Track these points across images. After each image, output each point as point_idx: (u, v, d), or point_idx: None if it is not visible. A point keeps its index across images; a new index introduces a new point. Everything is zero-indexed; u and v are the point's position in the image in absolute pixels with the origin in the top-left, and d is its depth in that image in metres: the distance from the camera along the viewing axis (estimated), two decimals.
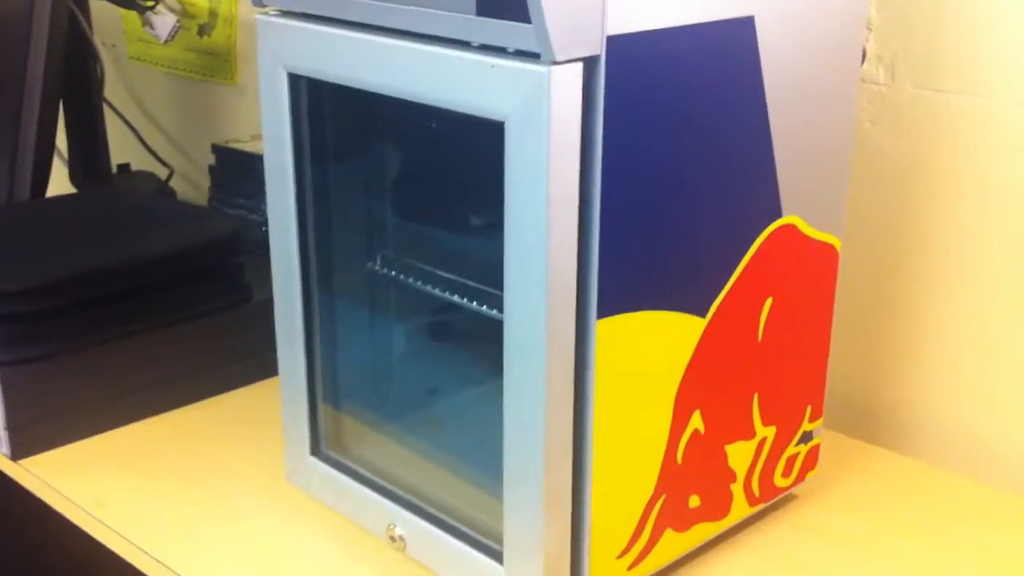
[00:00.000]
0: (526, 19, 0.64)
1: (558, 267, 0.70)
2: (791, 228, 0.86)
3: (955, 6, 0.98)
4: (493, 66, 0.68)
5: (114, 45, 1.88)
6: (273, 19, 0.82)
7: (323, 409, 0.94)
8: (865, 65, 1.04)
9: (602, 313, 0.73)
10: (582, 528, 0.79)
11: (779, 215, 0.84)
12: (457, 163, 0.86)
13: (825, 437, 1.01)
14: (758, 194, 0.82)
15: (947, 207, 1.03)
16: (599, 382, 0.75)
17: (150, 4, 1.67)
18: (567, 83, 0.66)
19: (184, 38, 1.73)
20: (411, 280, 0.91)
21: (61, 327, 1.08)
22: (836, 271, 0.92)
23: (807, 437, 0.96)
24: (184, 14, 1.70)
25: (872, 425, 1.13)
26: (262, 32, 0.83)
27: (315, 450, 0.95)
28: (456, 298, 0.87)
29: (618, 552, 0.82)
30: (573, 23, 0.65)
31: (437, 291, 0.88)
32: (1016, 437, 1.03)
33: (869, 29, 1.03)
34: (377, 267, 0.94)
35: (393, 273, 0.93)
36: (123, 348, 1.11)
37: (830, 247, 0.91)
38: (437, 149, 0.86)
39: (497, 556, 0.80)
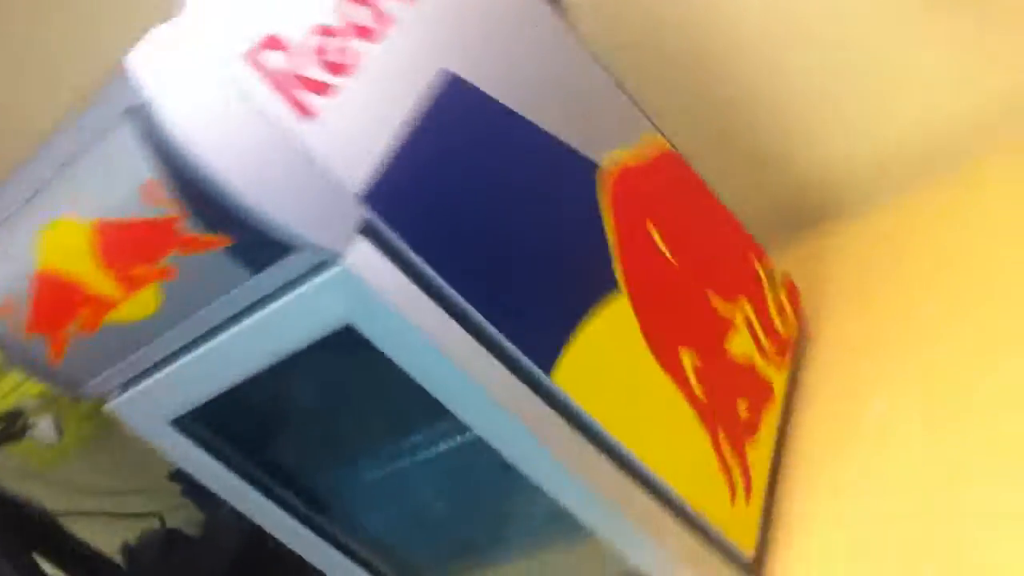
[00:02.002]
0: (290, 250, 0.67)
1: (481, 376, 0.73)
2: (617, 170, 0.89)
3: None
4: (301, 295, 0.71)
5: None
6: (121, 401, 0.85)
7: None
8: None
9: (546, 367, 0.76)
10: (687, 513, 0.82)
11: (595, 166, 0.88)
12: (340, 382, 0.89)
13: (783, 260, 1.05)
14: (572, 172, 0.86)
15: None
16: (592, 410, 0.78)
17: (23, 428, 1.67)
18: (364, 255, 0.69)
19: (68, 421, 1.73)
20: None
21: None
22: (685, 165, 0.96)
23: (772, 278, 1.00)
24: (48, 405, 1.70)
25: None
26: (125, 413, 0.85)
27: None
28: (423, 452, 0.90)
29: (728, 500, 0.85)
30: (325, 219, 0.68)
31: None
32: None
33: None
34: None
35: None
36: None
37: (665, 154, 0.94)
38: (320, 384, 0.89)
39: None
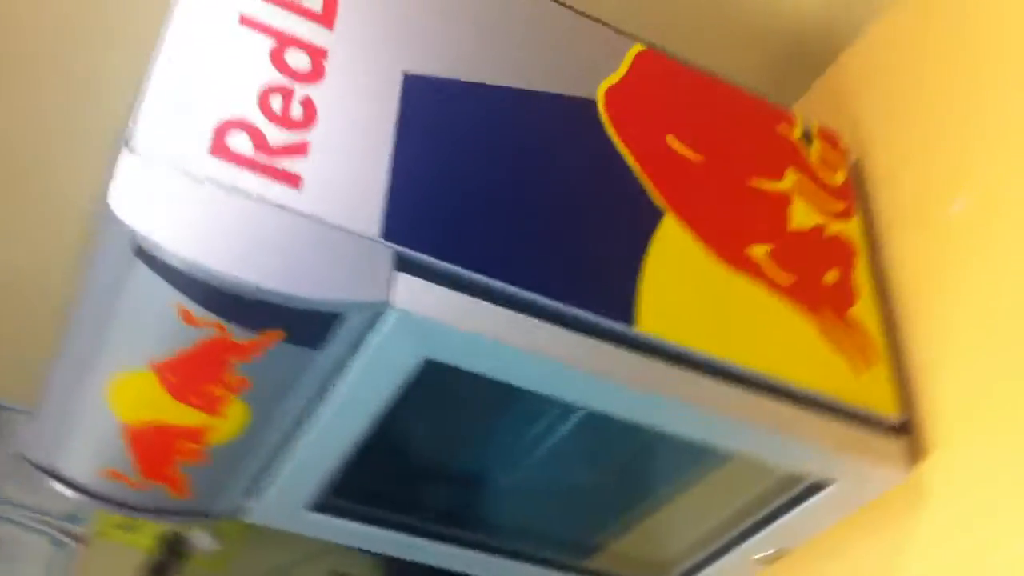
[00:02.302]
0: (341, 316, 0.67)
1: (572, 357, 0.72)
2: (603, 95, 0.86)
3: None
4: (371, 351, 0.70)
5: None
6: (255, 510, 0.85)
7: None
8: None
9: (627, 320, 0.75)
10: (818, 400, 0.80)
11: (593, 103, 0.85)
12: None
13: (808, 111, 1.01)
14: (573, 118, 0.83)
15: None
16: (687, 340, 0.76)
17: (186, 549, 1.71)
18: (409, 290, 0.68)
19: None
20: None
21: None
22: (669, 59, 0.93)
23: (806, 135, 0.96)
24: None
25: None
26: (263, 518, 0.86)
27: None
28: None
29: (852, 371, 0.83)
30: (358, 274, 0.67)
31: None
32: None
33: None
34: None
35: None
36: None
37: (641, 55, 0.91)
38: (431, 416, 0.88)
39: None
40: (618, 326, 0.75)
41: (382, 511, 0.89)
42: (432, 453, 0.90)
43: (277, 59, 0.71)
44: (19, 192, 1.27)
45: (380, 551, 0.93)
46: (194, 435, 0.75)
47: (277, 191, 0.67)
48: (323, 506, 0.85)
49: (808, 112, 1.03)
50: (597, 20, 0.91)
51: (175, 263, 0.63)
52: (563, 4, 0.90)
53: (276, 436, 0.78)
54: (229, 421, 0.74)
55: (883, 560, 0.83)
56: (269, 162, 0.67)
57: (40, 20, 1.10)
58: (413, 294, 0.68)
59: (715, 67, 0.96)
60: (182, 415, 0.73)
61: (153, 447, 0.77)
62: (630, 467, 0.92)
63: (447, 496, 0.93)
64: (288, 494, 0.83)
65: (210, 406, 0.73)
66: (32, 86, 1.15)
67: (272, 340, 0.68)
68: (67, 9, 1.09)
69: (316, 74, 0.72)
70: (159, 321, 0.67)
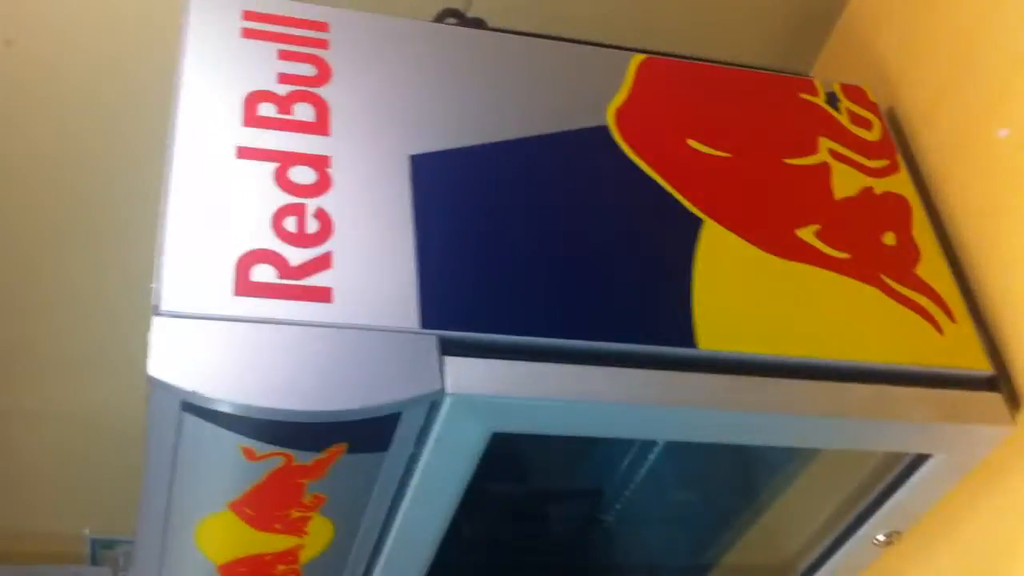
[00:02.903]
0: (400, 415, 0.66)
1: (646, 396, 0.71)
2: (614, 115, 0.84)
3: None
4: (437, 441, 0.69)
5: None
6: None
7: None
8: None
9: (689, 343, 0.73)
10: (907, 373, 0.78)
11: (605, 129, 0.83)
12: None
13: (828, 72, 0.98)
14: (589, 149, 0.82)
15: None
16: (755, 347, 0.74)
17: None
18: (460, 373, 0.67)
19: None
20: None
21: None
22: (670, 60, 0.91)
23: (831, 97, 0.93)
24: None
25: None
26: None
27: None
28: None
29: (935, 333, 0.80)
30: (407, 370, 0.66)
31: None
32: None
33: None
34: None
35: None
36: None
37: (643, 65, 0.89)
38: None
39: None
40: (679, 351, 0.73)
41: None
42: (523, 512, 0.90)
43: (282, 180, 0.71)
44: None
45: None
46: (286, 558, 0.76)
47: (310, 310, 0.66)
48: None
49: (828, 73, 1.00)
50: (592, 43, 0.90)
51: (226, 409, 0.63)
52: (556, 38, 0.89)
53: (367, 539, 0.78)
54: (315, 537, 0.74)
55: (1005, 522, 0.79)
56: (296, 283, 0.67)
57: None
58: (465, 375, 0.67)
59: (724, 50, 0.93)
60: (269, 543, 0.74)
61: None
62: (727, 478, 0.90)
63: (549, 552, 0.92)
64: None
65: (294, 528, 0.73)
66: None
67: (337, 454, 0.68)
68: None
69: (323, 184, 0.72)
70: (225, 465, 0.68)
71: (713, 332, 0.74)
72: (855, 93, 0.94)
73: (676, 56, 0.92)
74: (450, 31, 0.86)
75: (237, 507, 0.70)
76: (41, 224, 1.19)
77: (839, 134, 0.90)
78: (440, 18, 0.88)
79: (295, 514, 0.72)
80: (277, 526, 0.73)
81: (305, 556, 0.77)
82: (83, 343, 1.31)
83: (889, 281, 0.81)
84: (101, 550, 1.64)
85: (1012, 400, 0.79)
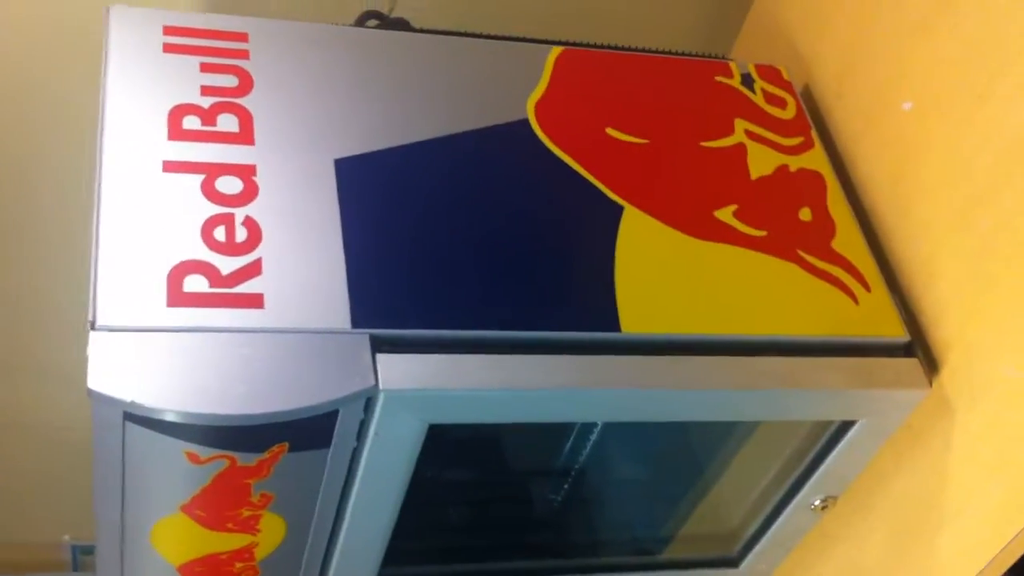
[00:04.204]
0: (337, 412, 0.69)
1: (574, 379, 0.73)
2: (533, 108, 0.87)
3: None
4: (375, 436, 0.72)
5: None
6: None
7: None
8: None
9: (613, 327, 0.76)
10: (825, 344, 0.81)
11: (526, 122, 0.86)
12: None
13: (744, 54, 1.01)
14: (513, 143, 0.84)
15: None
16: (677, 327, 0.77)
17: None
18: (392, 368, 0.69)
19: None
20: None
21: None
22: (586, 50, 0.93)
23: (746, 79, 0.96)
24: None
25: None
26: None
27: None
28: None
29: (851, 303, 0.83)
30: (341, 369, 0.69)
31: None
32: None
33: None
34: None
35: None
36: None
37: (560, 57, 0.91)
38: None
39: None
40: (604, 336, 0.76)
41: (445, 565, 0.92)
42: (472, 494, 0.92)
43: (209, 191, 0.73)
44: None
45: None
46: (242, 555, 0.78)
47: (243, 317, 0.69)
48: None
49: (747, 55, 1.03)
50: (512, 38, 0.92)
51: (167, 417, 0.65)
52: (478, 35, 0.91)
53: (321, 532, 0.80)
54: (268, 534, 0.77)
55: (928, 479, 0.83)
56: (228, 291, 0.69)
57: None
58: (397, 371, 0.70)
59: (646, 38, 0.96)
60: (224, 542, 0.76)
61: None
62: (671, 455, 0.93)
63: (502, 531, 0.96)
64: None
65: (246, 527, 0.76)
66: None
67: (279, 454, 0.71)
68: None
69: (250, 192, 0.74)
70: (172, 470, 0.70)
71: (636, 315, 0.77)
72: (770, 73, 0.97)
73: (594, 46, 0.94)
74: (371, 34, 0.88)
75: (188, 509, 0.73)
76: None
77: (754, 115, 0.93)
78: (361, 21, 0.90)
79: (245, 513, 0.75)
80: (229, 525, 0.75)
81: (260, 553, 0.79)
82: (53, 353, 1.33)
83: (806, 256, 0.85)
84: (82, 556, 1.66)
85: (929, 364, 0.82)
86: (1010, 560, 0.77)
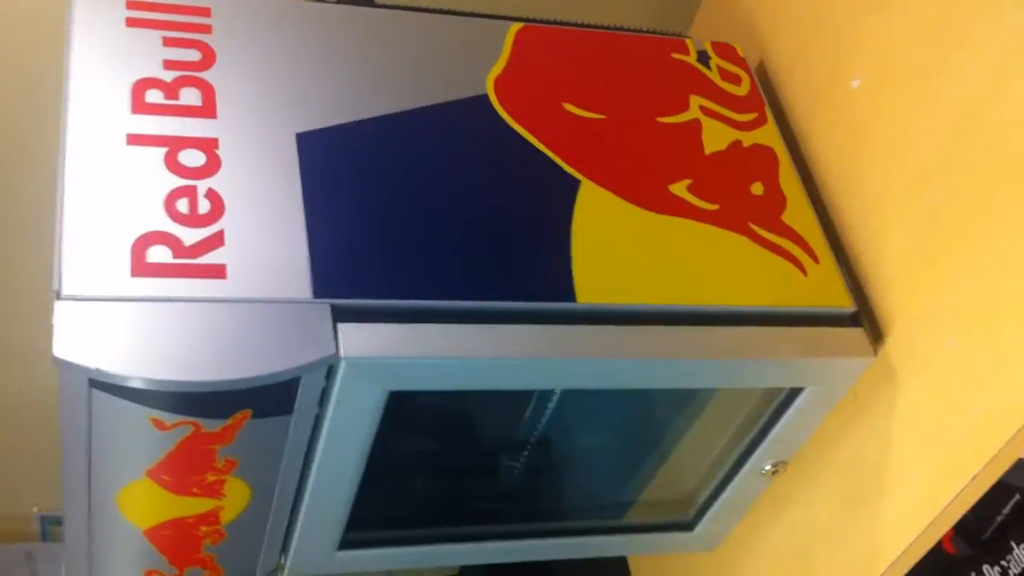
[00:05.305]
0: (298, 380, 0.71)
1: (532, 349, 0.76)
2: (492, 83, 0.89)
3: None
4: (338, 403, 0.74)
5: None
6: (289, 565, 0.90)
7: None
8: None
9: (569, 297, 0.78)
10: (776, 314, 0.84)
11: (485, 97, 0.88)
12: None
13: (702, 31, 1.03)
14: (471, 118, 0.86)
15: None
16: (632, 298, 0.80)
17: None
18: (353, 337, 0.71)
19: None
20: None
21: None
22: (544, 27, 0.95)
23: (703, 56, 0.98)
24: None
25: None
26: (300, 568, 0.91)
27: None
28: None
29: (799, 274, 0.86)
30: (302, 338, 0.70)
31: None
32: None
33: None
34: None
35: None
36: None
37: (520, 32, 0.93)
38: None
39: None
40: (560, 306, 0.78)
41: (409, 530, 0.94)
42: (434, 461, 0.95)
43: (172, 164, 0.75)
44: None
45: (424, 566, 0.98)
46: (207, 519, 0.80)
47: (206, 287, 0.70)
48: (351, 543, 0.89)
49: (705, 32, 1.05)
50: (473, 14, 0.94)
51: (132, 384, 0.67)
52: (439, 11, 0.92)
53: (285, 497, 0.82)
54: (233, 498, 0.79)
55: (873, 445, 0.86)
56: (191, 262, 0.71)
57: None
58: (357, 339, 0.72)
59: (605, 15, 0.98)
60: (190, 507, 0.78)
61: (177, 540, 0.82)
62: (628, 422, 0.96)
63: (464, 497, 0.98)
64: (314, 543, 0.88)
65: (211, 491, 0.78)
66: None
67: (243, 420, 0.73)
68: None
69: (213, 165, 0.76)
70: (138, 436, 0.72)
71: (591, 286, 0.79)
72: (725, 50, 0.99)
73: (554, 23, 0.96)
74: (333, 9, 0.90)
75: (154, 474, 0.75)
76: None
77: (710, 91, 0.95)
78: None
79: (210, 478, 0.77)
80: (195, 490, 0.77)
81: (226, 517, 0.81)
82: (18, 329, 1.34)
83: (757, 229, 0.87)
84: (51, 527, 1.67)
85: (874, 333, 0.85)
86: (949, 522, 0.80)
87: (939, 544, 0.83)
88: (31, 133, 1.11)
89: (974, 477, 0.75)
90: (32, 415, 1.42)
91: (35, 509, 1.64)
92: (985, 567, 0.91)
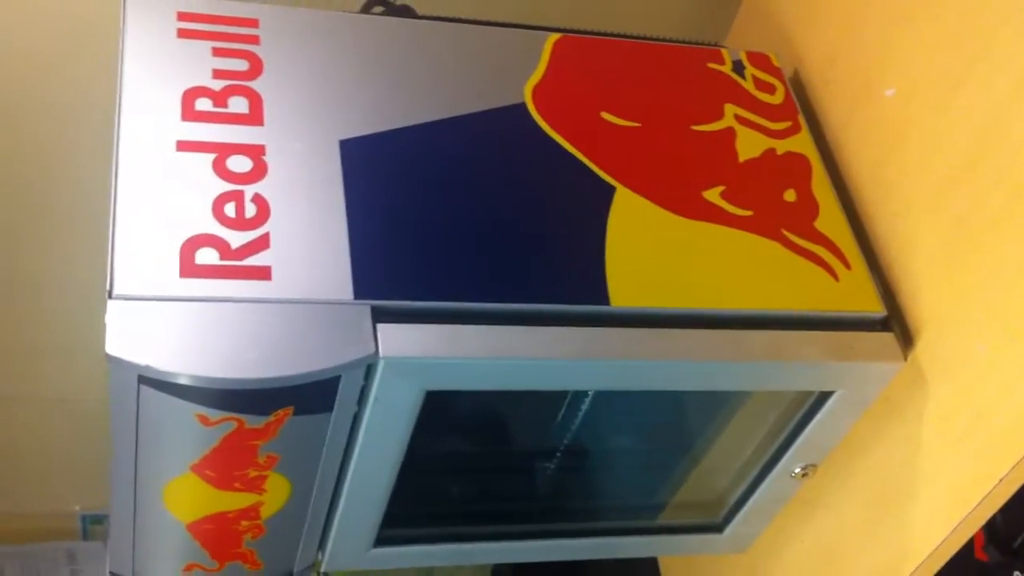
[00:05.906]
0: (339, 378, 0.73)
1: (566, 351, 0.78)
2: (530, 91, 0.91)
3: None
4: (376, 401, 0.76)
5: None
6: (326, 562, 0.93)
7: None
8: None
9: (603, 301, 0.80)
10: (806, 318, 0.85)
11: (523, 106, 0.90)
12: None
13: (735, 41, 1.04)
14: (509, 126, 0.88)
15: None
16: (665, 302, 0.82)
17: None
18: (392, 338, 0.74)
19: None
20: None
21: None
22: (582, 36, 0.97)
23: (737, 65, 1.00)
24: None
25: None
26: (336, 565, 0.94)
27: None
28: None
29: (831, 280, 0.87)
30: (343, 337, 0.73)
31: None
32: None
33: None
34: None
35: None
36: None
37: (558, 43, 0.95)
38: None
39: None
40: (594, 309, 0.80)
41: (442, 528, 0.96)
42: (468, 461, 0.97)
43: (220, 169, 0.77)
44: None
45: (458, 564, 1.00)
46: (248, 513, 0.83)
47: (251, 288, 0.73)
48: (386, 540, 0.92)
49: (740, 42, 1.06)
50: (512, 25, 0.96)
51: (179, 380, 0.70)
52: (479, 22, 0.95)
53: (323, 493, 0.85)
54: (273, 494, 0.82)
55: (902, 449, 0.87)
56: (237, 264, 0.74)
57: None
58: (396, 340, 0.74)
59: (643, 26, 1.00)
60: (232, 501, 0.81)
61: (218, 535, 0.84)
62: (659, 424, 0.97)
63: (497, 496, 1.00)
64: (350, 540, 0.90)
65: (252, 486, 0.80)
66: None
67: (285, 417, 0.75)
68: None
69: (259, 171, 0.78)
70: (183, 431, 0.74)
71: (625, 290, 0.81)
72: (760, 60, 1.01)
73: (592, 34, 0.98)
74: (377, 20, 0.92)
75: (198, 469, 0.77)
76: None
77: (744, 100, 0.97)
78: (367, 8, 0.94)
79: (252, 473, 0.79)
80: (237, 485, 0.80)
81: (266, 512, 0.84)
82: (63, 329, 1.38)
83: (789, 235, 0.88)
84: (92, 525, 1.71)
85: (904, 339, 0.86)
86: (976, 525, 0.81)
87: (971, 552, 0.84)
88: (84, 140, 1.15)
89: (1001, 479, 0.76)
90: (73, 416, 1.46)
91: (77, 508, 1.68)
92: (1016, 573, 0.92)
